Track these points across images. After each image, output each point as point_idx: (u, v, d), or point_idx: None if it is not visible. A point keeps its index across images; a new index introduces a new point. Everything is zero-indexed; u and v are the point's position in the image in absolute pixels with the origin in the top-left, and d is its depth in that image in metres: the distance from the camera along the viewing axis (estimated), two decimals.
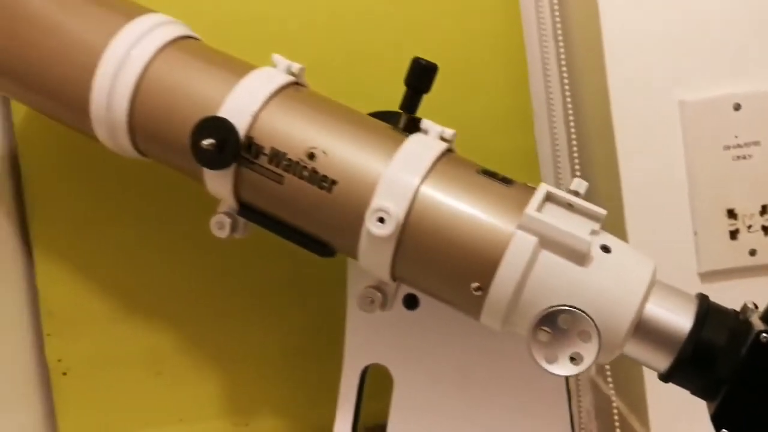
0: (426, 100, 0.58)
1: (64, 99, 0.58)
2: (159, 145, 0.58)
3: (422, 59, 0.58)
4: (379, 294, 0.56)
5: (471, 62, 0.77)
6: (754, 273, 0.67)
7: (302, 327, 0.80)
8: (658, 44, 0.66)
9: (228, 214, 0.58)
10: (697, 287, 0.67)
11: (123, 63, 0.56)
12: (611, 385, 0.75)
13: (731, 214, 0.67)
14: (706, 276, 0.68)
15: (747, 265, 0.67)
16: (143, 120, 0.57)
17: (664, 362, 0.50)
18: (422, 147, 0.53)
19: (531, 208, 0.50)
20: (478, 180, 0.53)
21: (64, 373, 0.80)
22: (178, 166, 0.59)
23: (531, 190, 0.53)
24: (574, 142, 0.75)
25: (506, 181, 0.53)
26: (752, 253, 0.67)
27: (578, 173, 0.74)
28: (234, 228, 0.59)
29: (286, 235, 0.57)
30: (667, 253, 0.65)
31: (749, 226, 0.67)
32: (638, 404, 0.72)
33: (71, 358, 0.80)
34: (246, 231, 0.60)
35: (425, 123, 0.55)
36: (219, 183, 0.55)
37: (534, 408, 0.62)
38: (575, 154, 0.74)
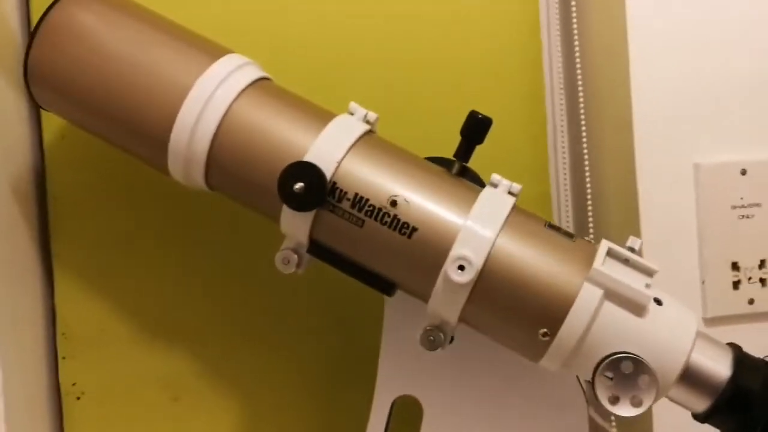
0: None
1: (142, 131, 0.60)
2: (236, 182, 0.60)
3: (478, 113, 0.62)
4: (440, 334, 0.60)
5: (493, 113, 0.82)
6: (752, 320, 0.75)
7: (325, 357, 0.82)
8: (680, 112, 0.73)
9: (294, 250, 0.61)
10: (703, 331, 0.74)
11: (208, 103, 0.58)
12: (613, 423, 0.81)
13: (735, 266, 0.75)
14: (711, 321, 0.75)
15: (746, 312, 0.75)
16: (223, 159, 0.59)
17: (703, 405, 0.56)
18: (496, 201, 0.58)
19: (598, 263, 0.55)
20: (546, 233, 0.58)
21: (78, 398, 0.79)
22: (250, 202, 0.61)
23: (591, 245, 0.58)
24: (588, 191, 0.81)
25: (569, 235, 0.59)
26: (751, 302, 0.75)
27: (591, 225, 0.81)
28: (299, 264, 0.61)
29: (353, 273, 0.60)
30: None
31: (749, 278, 0.74)
32: None
33: (86, 382, 0.79)
34: (305, 267, 0.63)
35: (495, 177, 0.60)
36: (297, 223, 0.58)
37: None
38: (589, 207, 0.80)
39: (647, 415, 0.76)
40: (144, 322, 0.80)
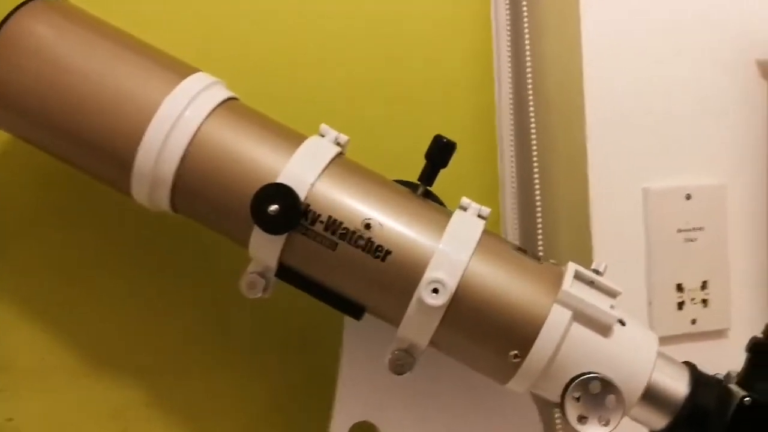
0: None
1: (105, 151, 0.57)
2: (204, 205, 0.58)
3: (443, 137, 0.63)
4: (410, 357, 0.60)
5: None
6: (694, 339, 0.78)
7: (278, 384, 0.81)
8: (631, 140, 0.77)
9: (261, 274, 0.60)
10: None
11: (176, 123, 0.56)
12: None
13: (679, 287, 0.78)
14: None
15: (689, 332, 0.78)
16: (192, 181, 0.57)
17: (662, 422, 0.58)
18: (467, 224, 0.59)
19: (566, 285, 0.56)
20: (516, 256, 0.59)
21: None
22: (218, 225, 0.60)
23: (558, 267, 0.59)
24: (539, 214, 0.83)
25: (536, 257, 0.60)
26: (693, 321, 0.79)
27: (541, 246, 0.83)
28: (266, 288, 0.60)
29: (321, 297, 0.60)
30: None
31: (692, 299, 0.78)
32: None
33: (25, 416, 0.75)
34: (272, 291, 0.62)
35: (465, 201, 0.61)
36: (267, 246, 0.57)
37: None
38: (539, 228, 0.83)
39: None
40: (89, 350, 0.76)
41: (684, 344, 0.79)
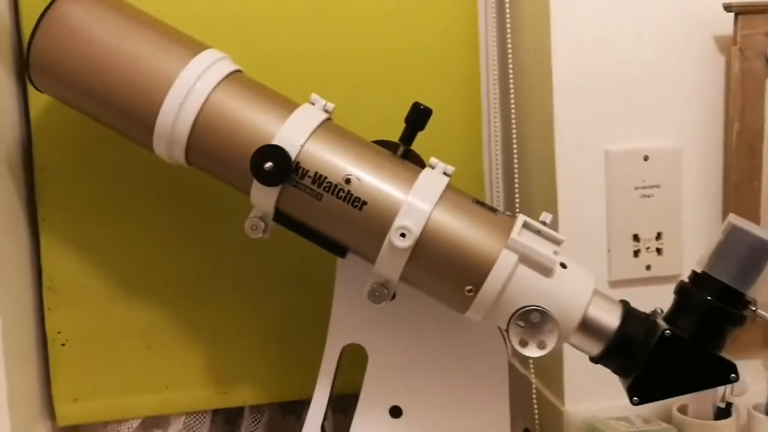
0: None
1: (132, 115, 0.69)
2: (212, 161, 0.70)
3: (421, 104, 0.73)
4: (385, 290, 0.71)
5: (435, 103, 0.91)
6: (649, 283, 0.88)
7: (284, 310, 0.93)
8: (593, 106, 0.85)
9: (261, 218, 0.71)
10: (608, 292, 0.87)
11: (189, 93, 0.67)
12: (532, 368, 0.94)
13: (636, 238, 0.88)
14: (614, 284, 0.89)
15: (644, 276, 0.88)
16: (202, 141, 0.69)
17: (596, 349, 0.69)
18: (433, 180, 0.69)
19: (515, 234, 0.67)
20: (473, 208, 0.69)
21: (63, 344, 0.89)
22: (224, 177, 0.71)
23: (510, 218, 0.70)
24: (516, 171, 0.93)
25: (492, 209, 0.70)
26: (648, 267, 0.88)
27: (517, 200, 0.93)
28: (265, 230, 0.72)
29: (311, 238, 0.71)
30: (587, 265, 0.81)
31: (647, 248, 0.88)
32: (555, 382, 0.92)
33: (70, 330, 0.89)
34: (270, 232, 0.73)
35: (433, 160, 0.71)
36: (265, 195, 0.68)
37: (481, 381, 0.78)
38: (516, 185, 0.93)
39: (558, 363, 0.90)
40: (121, 278, 0.90)
41: (639, 287, 0.88)
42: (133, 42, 0.69)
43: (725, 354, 0.68)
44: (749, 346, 0.90)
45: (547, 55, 0.85)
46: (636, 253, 0.88)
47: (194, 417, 0.95)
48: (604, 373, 0.71)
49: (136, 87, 0.68)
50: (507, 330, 0.67)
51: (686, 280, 0.70)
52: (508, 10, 0.93)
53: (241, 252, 0.91)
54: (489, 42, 0.98)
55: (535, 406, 0.94)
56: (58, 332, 0.89)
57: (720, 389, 0.85)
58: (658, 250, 0.89)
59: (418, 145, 0.74)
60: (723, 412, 0.86)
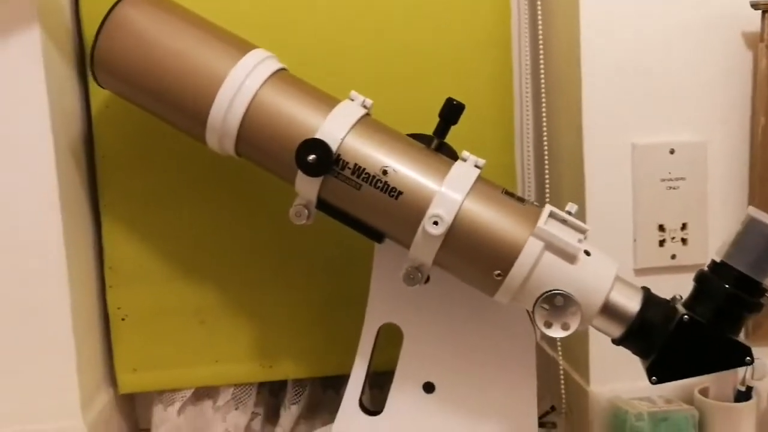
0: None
1: (186, 110, 0.75)
2: (260, 153, 0.76)
3: (454, 99, 0.77)
4: (419, 273, 0.76)
5: (471, 99, 0.90)
6: (673, 271, 0.92)
7: (326, 290, 0.99)
8: (621, 100, 0.89)
9: (305, 206, 0.77)
10: (633, 280, 0.91)
11: (239, 90, 0.73)
12: (560, 350, 0.98)
13: (661, 228, 0.91)
14: (640, 271, 0.93)
15: (669, 265, 0.92)
16: (251, 134, 0.75)
17: (618, 331, 0.73)
18: (465, 172, 0.74)
19: (540, 222, 0.71)
20: (503, 198, 0.74)
21: (123, 319, 0.97)
22: (271, 168, 0.77)
23: (538, 208, 0.74)
24: (546, 163, 0.97)
25: (521, 200, 0.75)
26: (673, 257, 0.92)
27: (548, 191, 0.97)
28: (308, 217, 0.77)
29: (351, 225, 0.77)
30: (614, 253, 0.86)
31: (673, 238, 0.91)
32: (581, 363, 0.96)
33: (129, 307, 0.97)
34: (313, 219, 0.79)
35: (464, 154, 0.76)
36: (308, 184, 0.74)
37: (510, 360, 0.83)
38: (546, 175, 0.97)
39: (584, 345, 0.94)
40: (176, 260, 0.97)
41: (664, 275, 0.92)
42: (186, 42, 0.75)
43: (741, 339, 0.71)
44: None
45: (577, 50, 0.89)
46: (661, 243, 0.92)
47: (241, 389, 1.01)
48: (627, 355, 0.75)
49: (190, 84, 0.74)
50: (533, 312, 0.72)
51: (706, 268, 0.74)
52: (539, 6, 0.97)
53: (286, 237, 0.97)
54: (522, 37, 1.02)
55: (563, 387, 0.98)
56: (118, 308, 0.96)
57: (740, 373, 0.88)
58: (683, 240, 0.92)
59: (453, 137, 0.78)
60: (744, 395, 0.89)
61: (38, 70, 0.81)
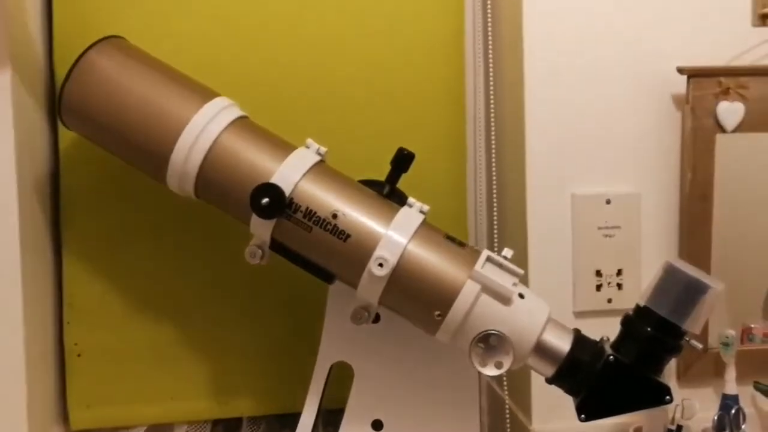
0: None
1: (149, 152, 0.80)
2: (218, 194, 0.80)
3: (405, 149, 0.83)
4: (366, 313, 0.80)
5: (424, 149, 0.95)
6: (610, 314, 0.96)
7: (279, 332, 1.03)
8: (561, 155, 0.95)
9: (259, 246, 0.81)
10: (572, 322, 0.96)
11: (199, 135, 0.78)
12: (506, 388, 1.03)
13: (598, 273, 0.97)
14: (579, 314, 0.98)
15: (605, 308, 0.97)
16: (209, 176, 0.79)
17: (550, 371, 0.78)
18: (409, 217, 0.79)
19: (478, 266, 0.76)
20: (444, 243, 0.79)
21: (79, 355, 0.99)
22: (227, 209, 0.81)
23: (477, 252, 0.79)
24: (495, 214, 1.03)
25: (462, 244, 0.80)
26: (609, 301, 0.98)
27: (496, 237, 1.03)
28: (263, 257, 0.81)
29: (302, 265, 0.81)
30: (554, 296, 0.92)
31: (609, 283, 0.97)
32: (524, 402, 1.01)
33: (86, 343, 0.99)
34: (268, 260, 0.83)
35: (410, 200, 0.81)
36: (262, 226, 0.78)
37: (455, 399, 0.87)
38: (495, 223, 1.02)
39: (527, 384, 0.98)
40: (135, 297, 1.00)
41: (601, 318, 0.97)
42: (152, 88, 0.80)
43: (662, 378, 0.76)
44: (701, 375, 0.99)
45: (521, 108, 0.95)
46: (598, 287, 0.97)
47: (196, 426, 1.03)
48: (568, 395, 0.79)
49: (154, 128, 0.79)
50: (469, 351, 0.76)
51: (630, 312, 0.79)
52: (491, 62, 1.03)
53: (242, 277, 1.01)
54: (477, 91, 1.08)
55: (508, 425, 1.02)
56: (75, 344, 0.98)
57: (670, 413, 0.93)
58: (619, 285, 0.98)
59: (409, 184, 0.83)
60: None
61: (6, 109, 0.84)
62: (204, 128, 0.78)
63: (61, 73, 0.92)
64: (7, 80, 0.85)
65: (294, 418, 0.99)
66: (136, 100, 0.79)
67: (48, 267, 0.98)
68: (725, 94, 0.95)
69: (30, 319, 0.89)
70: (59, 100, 0.81)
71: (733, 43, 0.98)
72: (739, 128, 0.96)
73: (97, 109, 0.80)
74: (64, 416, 1.00)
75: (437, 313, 0.77)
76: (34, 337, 0.90)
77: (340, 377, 0.88)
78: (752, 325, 1.00)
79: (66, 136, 0.96)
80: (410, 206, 0.81)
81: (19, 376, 0.87)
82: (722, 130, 0.96)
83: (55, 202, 0.98)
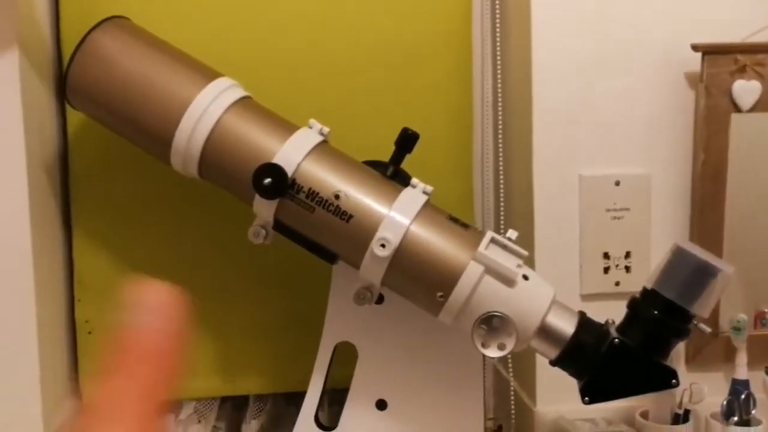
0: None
1: (152, 132, 0.80)
2: (221, 175, 0.80)
3: (409, 129, 0.82)
4: (369, 293, 0.80)
5: (433, 129, 0.98)
6: (617, 297, 0.95)
7: (285, 312, 1.03)
8: (569, 134, 0.94)
9: (263, 226, 0.81)
10: (579, 304, 0.96)
11: (202, 116, 0.78)
12: (511, 371, 1.02)
13: (606, 256, 0.96)
14: (585, 297, 0.97)
15: (613, 291, 0.96)
16: (212, 157, 0.79)
17: (554, 353, 0.77)
18: (413, 198, 0.78)
19: (481, 248, 0.76)
20: (447, 224, 0.78)
21: (90, 332, 1.00)
22: (231, 189, 0.81)
23: (480, 233, 0.79)
24: (502, 191, 1.02)
25: (465, 225, 0.79)
26: (617, 284, 0.96)
27: (503, 218, 1.02)
28: (266, 237, 0.81)
29: (305, 245, 0.81)
30: (560, 279, 0.92)
31: (617, 265, 0.96)
32: (529, 384, 1.00)
33: (96, 320, 1.00)
34: (271, 239, 0.83)
35: (414, 180, 0.80)
36: (265, 206, 0.78)
37: (459, 380, 0.87)
38: (501, 204, 1.01)
39: (532, 366, 0.98)
40: (142, 275, 1.00)
41: (608, 301, 0.96)
42: (155, 69, 0.80)
43: (668, 362, 0.76)
44: (711, 360, 0.97)
45: (529, 88, 0.94)
46: (606, 270, 0.96)
47: (204, 403, 1.04)
48: (573, 378, 0.78)
49: (158, 108, 0.79)
50: (472, 332, 0.76)
51: (637, 295, 0.78)
52: (498, 45, 1.02)
53: (248, 257, 1.01)
54: (485, 71, 1.07)
55: (513, 406, 1.02)
56: (86, 321, 1.00)
57: (677, 397, 0.93)
58: (627, 268, 0.97)
59: (415, 165, 0.82)
60: (681, 418, 0.94)
61: (14, 89, 0.85)
62: (206, 109, 0.78)
63: (68, 53, 0.92)
64: (15, 60, 0.85)
65: (299, 396, 1.00)
66: (140, 80, 0.79)
67: (58, 246, 0.99)
68: (741, 71, 0.93)
69: (41, 296, 0.90)
70: (65, 81, 0.81)
71: (750, 19, 0.95)
72: (755, 108, 0.94)
73: (101, 89, 0.80)
74: (77, 391, 1.01)
75: (440, 294, 0.76)
76: (46, 314, 0.91)
77: (345, 357, 0.88)
78: (765, 310, 0.98)
79: (74, 115, 0.96)
80: (413, 187, 0.80)
81: (32, 353, 0.88)
82: (737, 109, 0.94)
83: (65, 182, 0.99)
